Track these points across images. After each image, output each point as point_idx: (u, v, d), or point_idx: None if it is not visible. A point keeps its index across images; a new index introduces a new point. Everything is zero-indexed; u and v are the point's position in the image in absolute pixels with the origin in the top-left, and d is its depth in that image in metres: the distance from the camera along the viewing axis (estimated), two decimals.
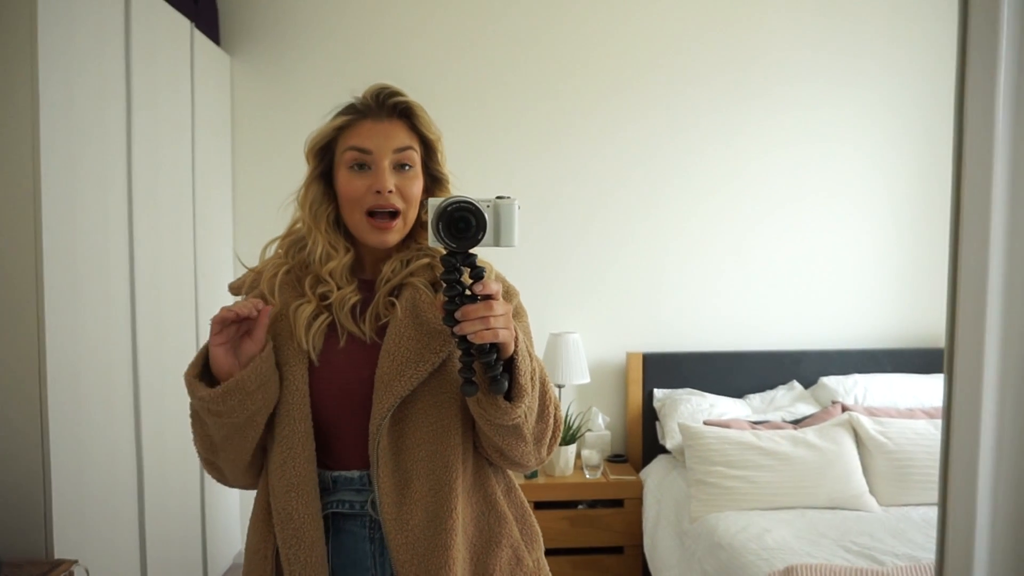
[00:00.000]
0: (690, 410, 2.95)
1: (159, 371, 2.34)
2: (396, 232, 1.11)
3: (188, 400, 1.06)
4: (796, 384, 3.16)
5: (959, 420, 0.75)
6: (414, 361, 1.05)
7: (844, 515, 2.46)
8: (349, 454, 1.10)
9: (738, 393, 3.16)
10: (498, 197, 0.96)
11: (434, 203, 0.95)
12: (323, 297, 1.11)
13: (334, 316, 1.11)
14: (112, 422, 2.09)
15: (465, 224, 0.94)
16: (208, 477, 1.95)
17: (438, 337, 1.06)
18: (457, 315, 0.94)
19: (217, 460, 1.12)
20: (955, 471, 0.75)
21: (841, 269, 3.31)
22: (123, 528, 2.14)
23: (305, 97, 3.11)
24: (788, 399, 3.08)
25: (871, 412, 2.79)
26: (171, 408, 2.37)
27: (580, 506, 2.90)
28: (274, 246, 1.19)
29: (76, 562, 1.74)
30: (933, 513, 2.44)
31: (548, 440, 1.12)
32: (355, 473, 1.10)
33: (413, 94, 1.14)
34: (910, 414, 2.79)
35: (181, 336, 2.57)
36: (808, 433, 2.65)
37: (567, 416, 3.06)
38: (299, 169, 1.16)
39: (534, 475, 2.91)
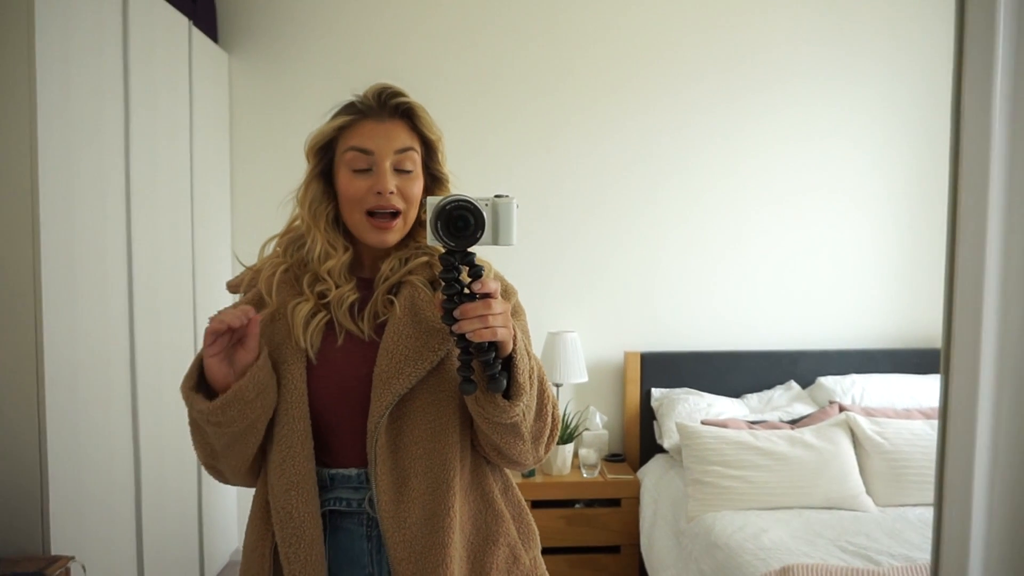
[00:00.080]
0: (687, 410, 2.95)
1: (157, 369, 2.34)
2: (396, 232, 1.11)
3: None
4: (793, 384, 3.16)
5: (955, 420, 0.75)
6: (412, 359, 1.05)
7: (841, 515, 2.46)
8: (347, 452, 1.10)
9: (735, 393, 3.16)
10: (497, 196, 0.96)
11: (433, 202, 0.95)
12: (321, 295, 1.11)
13: (332, 314, 1.11)
14: (109, 419, 2.09)
15: (464, 223, 0.94)
16: (205, 474, 1.95)
17: (436, 335, 1.06)
18: (456, 313, 0.94)
19: (219, 464, 1.12)
20: (951, 471, 0.76)
21: (839, 269, 3.31)
22: (120, 525, 2.13)
23: (303, 95, 3.11)
24: (785, 399, 3.08)
25: (868, 412, 2.79)
26: (168, 405, 2.36)
27: (577, 505, 2.90)
28: (272, 244, 1.19)
29: (73, 558, 1.74)
30: (929, 513, 2.44)
31: (546, 439, 1.12)
32: (353, 471, 1.10)
33: (411, 92, 1.14)
34: (907, 414, 2.80)
35: (179, 334, 2.57)
36: (805, 433, 2.65)
37: (565, 415, 3.06)
38: (298, 167, 1.16)
39: (531, 474, 2.91)
